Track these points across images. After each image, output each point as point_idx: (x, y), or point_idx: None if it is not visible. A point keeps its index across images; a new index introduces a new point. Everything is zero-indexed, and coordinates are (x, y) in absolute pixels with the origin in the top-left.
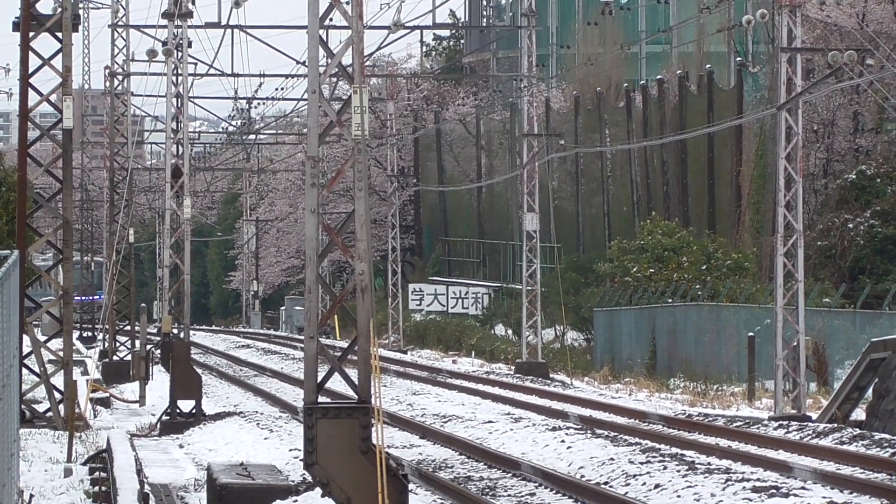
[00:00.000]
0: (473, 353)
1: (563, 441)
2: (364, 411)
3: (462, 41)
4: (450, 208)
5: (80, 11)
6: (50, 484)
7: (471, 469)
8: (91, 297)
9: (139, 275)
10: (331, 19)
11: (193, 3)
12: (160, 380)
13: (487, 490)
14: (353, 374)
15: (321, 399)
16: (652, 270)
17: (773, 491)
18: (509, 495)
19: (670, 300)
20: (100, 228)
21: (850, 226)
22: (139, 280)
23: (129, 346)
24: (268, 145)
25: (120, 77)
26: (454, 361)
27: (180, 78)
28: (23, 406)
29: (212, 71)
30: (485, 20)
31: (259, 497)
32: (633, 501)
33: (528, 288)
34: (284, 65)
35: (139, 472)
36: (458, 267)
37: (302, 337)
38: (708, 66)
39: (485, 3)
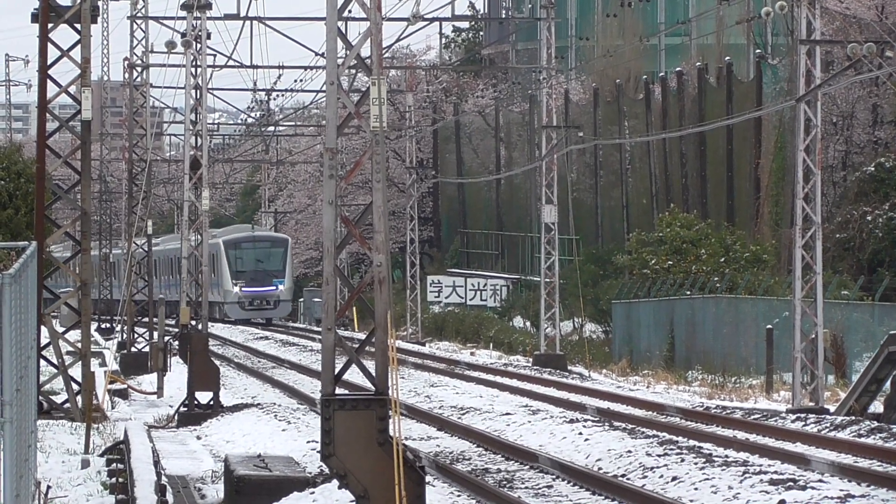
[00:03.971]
0: (491, 345)
1: (580, 433)
2: (381, 403)
3: (481, 33)
4: (468, 200)
5: (99, 3)
6: (67, 475)
7: (488, 461)
8: (264, 289)
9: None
10: (349, 11)
11: None
12: (178, 371)
13: (505, 482)
14: (370, 365)
15: (339, 391)
16: (670, 263)
17: (791, 483)
18: (527, 487)
19: (688, 292)
20: (118, 220)
21: (869, 218)
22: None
23: (148, 338)
24: (286, 137)
25: (139, 68)
26: (472, 353)
27: (199, 69)
28: (40, 397)
29: (230, 62)
30: (504, 12)
31: (276, 489)
32: (650, 494)
33: (547, 280)
34: (303, 56)
35: (156, 463)
36: (476, 259)
37: (320, 328)
38: (727, 58)
39: None
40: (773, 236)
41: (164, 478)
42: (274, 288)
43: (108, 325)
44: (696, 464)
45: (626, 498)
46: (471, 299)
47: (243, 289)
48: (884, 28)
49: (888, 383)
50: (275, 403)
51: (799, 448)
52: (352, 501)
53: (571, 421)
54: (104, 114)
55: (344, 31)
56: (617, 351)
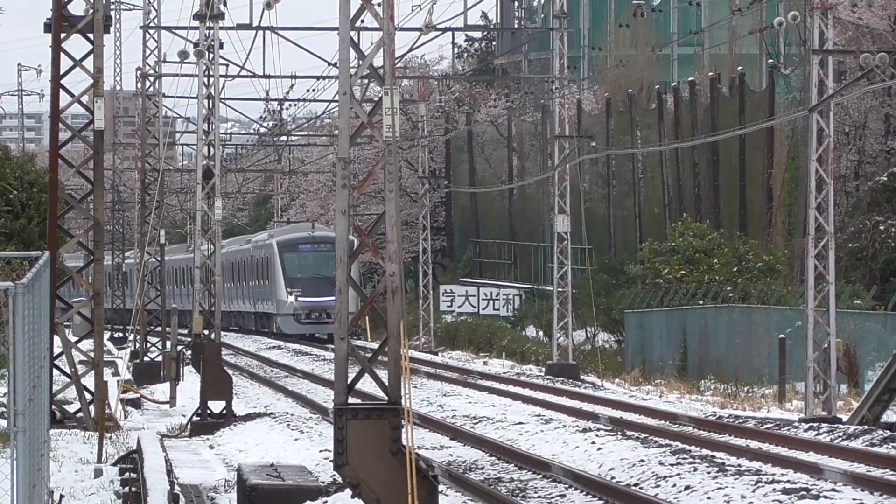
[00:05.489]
0: (504, 354)
1: (593, 442)
2: (394, 412)
3: (494, 43)
4: (481, 210)
5: (112, 13)
6: (80, 484)
7: (501, 470)
8: (324, 299)
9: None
10: (362, 21)
11: (225, 5)
12: (191, 381)
13: (518, 491)
14: (383, 375)
15: (351, 400)
16: (683, 272)
17: (804, 493)
18: (539, 497)
19: (701, 302)
20: (131, 230)
21: (882, 228)
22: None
23: (160, 347)
24: (299, 147)
25: (151, 78)
26: (485, 363)
27: (211, 79)
28: (53, 407)
29: (243, 72)
30: (516, 22)
31: (289, 498)
32: (663, 503)
33: (559, 289)
34: (316, 66)
35: (169, 472)
36: (489, 268)
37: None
38: (739, 67)
39: (516, 4)
40: (786, 246)
41: (177, 487)
42: (332, 299)
43: (120, 335)
44: (708, 473)
45: None
46: (483, 309)
47: (299, 299)
48: None
49: None
50: (287, 413)
51: (812, 457)
52: None
53: (584, 430)
54: (117, 123)
55: (357, 41)
56: (629, 360)
